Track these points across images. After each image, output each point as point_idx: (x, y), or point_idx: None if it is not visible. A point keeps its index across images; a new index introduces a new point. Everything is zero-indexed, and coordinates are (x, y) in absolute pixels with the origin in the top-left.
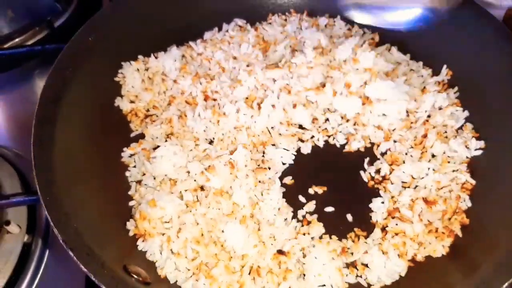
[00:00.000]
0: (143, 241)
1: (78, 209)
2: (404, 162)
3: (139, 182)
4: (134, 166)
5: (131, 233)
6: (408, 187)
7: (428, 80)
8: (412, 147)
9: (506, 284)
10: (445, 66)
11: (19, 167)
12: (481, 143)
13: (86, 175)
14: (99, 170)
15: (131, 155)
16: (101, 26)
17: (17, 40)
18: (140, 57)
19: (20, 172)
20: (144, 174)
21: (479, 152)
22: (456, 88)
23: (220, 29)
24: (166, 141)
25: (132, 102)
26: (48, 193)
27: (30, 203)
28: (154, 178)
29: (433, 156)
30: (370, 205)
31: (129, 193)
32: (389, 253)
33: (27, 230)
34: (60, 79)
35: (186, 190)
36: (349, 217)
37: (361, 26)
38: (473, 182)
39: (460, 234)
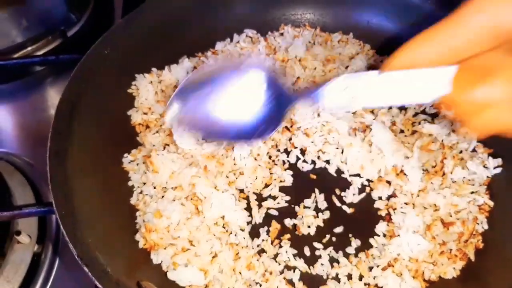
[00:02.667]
0: (154, 253)
1: (92, 223)
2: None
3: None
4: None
5: (140, 245)
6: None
7: None
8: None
9: None
10: None
11: (30, 176)
12: (499, 161)
13: (100, 188)
14: (112, 184)
15: (130, 161)
16: (116, 39)
17: (29, 49)
18: (154, 69)
19: (31, 181)
20: (144, 184)
21: (499, 170)
22: None
23: (232, 41)
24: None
25: (145, 114)
26: (64, 208)
27: (42, 215)
28: (155, 188)
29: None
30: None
31: (131, 202)
32: (404, 275)
33: (37, 240)
34: (76, 91)
35: (186, 198)
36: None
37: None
38: (491, 204)
39: (473, 258)
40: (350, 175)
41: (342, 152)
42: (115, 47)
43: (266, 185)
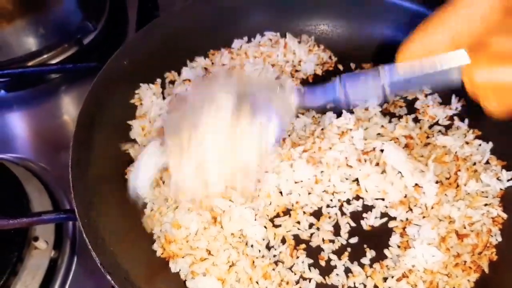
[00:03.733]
0: (172, 262)
1: (113, 231)
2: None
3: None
4: None
5: (158, 255)
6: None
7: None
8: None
9: None
10: (454, 96)
11: (46, 181)
12: None
13: (119, 196)
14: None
15: None
16: (134, 50)
17: (45, 56)
18: (158, 80)
19: (47, 187)
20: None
21: None
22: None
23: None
24: None
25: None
26: (86, 216)
27: (61, 221)
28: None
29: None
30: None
31: (146, 213)
32: (419, 286)
33: (54, 246)
34: (96, 102)
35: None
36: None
37: None
38: (505, 216)
39: (487, 271)
40: (373, 199)
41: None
42: (133, 58)
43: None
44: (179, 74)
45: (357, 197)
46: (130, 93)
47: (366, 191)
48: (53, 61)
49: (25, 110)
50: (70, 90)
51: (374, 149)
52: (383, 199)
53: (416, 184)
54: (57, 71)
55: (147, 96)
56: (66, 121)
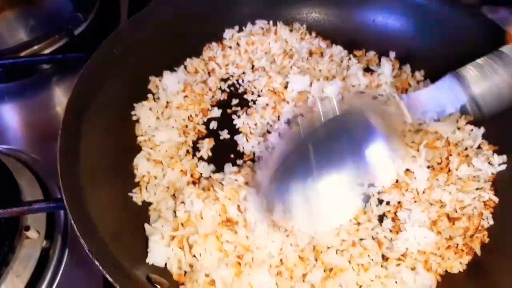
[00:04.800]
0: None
1: (102, 218)
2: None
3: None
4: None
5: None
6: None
7: None
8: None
9: None
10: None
11: (38, 172)
12: (504, 158)
13: (109, 185)
14: (121, 181)
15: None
16: (124, 38)
17: (36, 47)
18: (150, 96)
19: (39, 177)
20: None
21: (504, 167)
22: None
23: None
24: None
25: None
26: (74, 203)
27: (51, 210)
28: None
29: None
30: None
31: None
32: (417, 268)
33: (46, 235)
34: (85, 90)
35: None
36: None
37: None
38: (496, 199)
39: (479, 253)
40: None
41: None
42: (123, 46)
43: None
44: (173, 61)
45: None
46: (120, 81)
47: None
48: (44, 52)
49: (16, 101)
50: (61, 81)
51: None
52: (375, 186)
53: (408, 170)
54: (47, 62)
55: (142, 113)
56: (57, 112)
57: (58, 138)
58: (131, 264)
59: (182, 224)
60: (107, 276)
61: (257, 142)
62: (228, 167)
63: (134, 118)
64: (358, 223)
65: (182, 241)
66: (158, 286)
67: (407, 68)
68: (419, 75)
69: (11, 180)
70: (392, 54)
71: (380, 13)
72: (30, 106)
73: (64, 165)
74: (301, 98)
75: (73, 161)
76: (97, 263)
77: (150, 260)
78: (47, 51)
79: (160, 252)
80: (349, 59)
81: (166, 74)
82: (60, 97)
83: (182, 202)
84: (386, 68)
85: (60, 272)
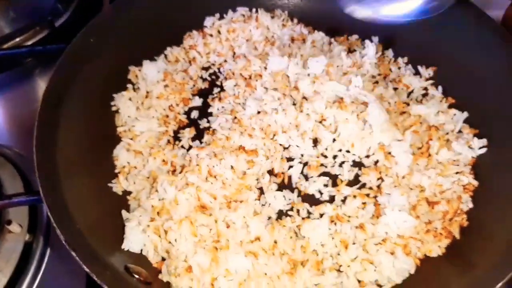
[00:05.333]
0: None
1: (80, 210)
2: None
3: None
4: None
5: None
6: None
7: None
8: None
9: (500, 284)
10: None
11: (20, 166)
12: (484, 141)
13: (88, 176)
14: (100, 172)
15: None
16: (102, 28)
17: (17, 39)
18: (129, 86)
19: (21, 172)
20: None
21: (484, 150)
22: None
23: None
24: None
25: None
26: (51, 195)
27: (32, 203)
28: None
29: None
30: None
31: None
32: (396, 253)
33: (28, 229)
34: (62, 81)
35: None
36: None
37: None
38: (476, 183)
39: (458, 236)
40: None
41: (336, 129)
42: (100, 35)
43: None
44: (151, 50)
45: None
46: (98, 71)
47: (338, 136)
48: (26, 44)
49: None
50: (44, 74)
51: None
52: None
53: (389, 153)
54: (27, 54)
55: (122, 103)
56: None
57: (35, 129)
58: (109, 254)
59: (158, 213)
60: (83, 266)
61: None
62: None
63: (113, 108)
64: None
65: (158, 227)
66: (136, 275)
67: (389, 53)
68: (401, 61)
69: None
70: (375, 39)
71: None
72: (12, 99)
73: (40, 156)
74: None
75: (50, 152)
76: (73, 253)
77: (125, 246)
78: (28, 43)
79: (136, 238)
80: (330, 43)
81: (146, 63)
82: (42, 90)
83: (156, 191)
84: (370, 49)
85: (43, 266)
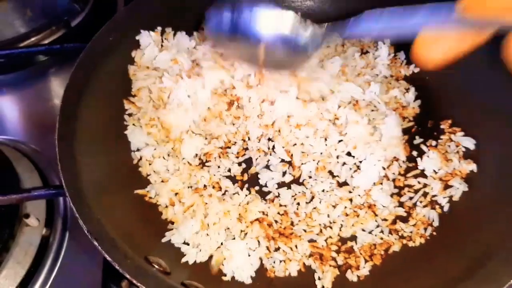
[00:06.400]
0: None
1: (100, 201)
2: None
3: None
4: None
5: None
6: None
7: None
8: None
9: None
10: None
11: (37, 162)
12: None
13: (107, 168)
14: (119, 163)
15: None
16: (120, 26)
17: (33, 39)
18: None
19: (38, 167)
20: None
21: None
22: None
23: None
24: None
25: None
26: (72, 186)
27: (50, 197)
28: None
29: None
30: None
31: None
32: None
33: (46, 223)
34: (83, 77)
35: None
36: None
37: None
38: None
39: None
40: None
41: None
42: (119, 34)
43: None
44: None
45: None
46: (117, 68)
47: (345, 135)
48: (42, 43)
49: (15, 92)
50: (59, 72)
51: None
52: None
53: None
54: (44, 52)
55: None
56: (55, 103)
57: (57, 123)
58: (130, 245)
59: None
60: (105, 255)
61: None
62: None
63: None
64: None
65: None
66: (156, 266)
67: (401, 55)
68: (413, 66)
69: (10, 169)
70: (387, 41)
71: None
72: (28, 97)
73: (62, 149)
74: None
75: (71, 145)
76: (95, 243)
77: (133, 146)
78: (44, 42)
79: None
80: (343, 44)
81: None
82: (57, 88)
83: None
84: (383, 50)
85: (60, 259)
